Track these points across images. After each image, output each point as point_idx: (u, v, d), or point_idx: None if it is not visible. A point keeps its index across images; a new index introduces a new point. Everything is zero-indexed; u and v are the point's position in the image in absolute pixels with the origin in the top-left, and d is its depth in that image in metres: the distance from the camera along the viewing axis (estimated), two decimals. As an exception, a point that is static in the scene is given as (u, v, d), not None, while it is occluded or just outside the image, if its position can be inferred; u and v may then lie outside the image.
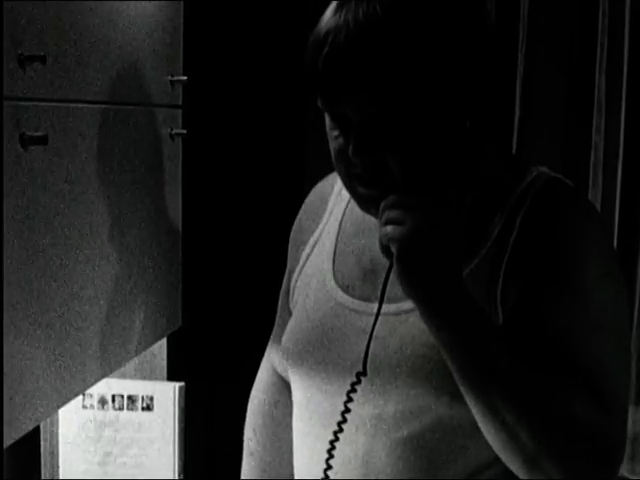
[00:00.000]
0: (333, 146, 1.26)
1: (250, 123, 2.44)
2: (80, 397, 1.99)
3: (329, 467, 1.31)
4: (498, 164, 1.34)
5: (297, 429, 1.41)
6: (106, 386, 1.98)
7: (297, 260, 1.48)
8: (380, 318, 1.27)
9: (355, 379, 1.28)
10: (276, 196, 2.42)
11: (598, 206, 2.37)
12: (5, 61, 1.18)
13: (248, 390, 1.62)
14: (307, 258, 1.45)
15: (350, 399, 1.28)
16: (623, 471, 2.43)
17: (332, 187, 1.48)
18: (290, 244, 1.54)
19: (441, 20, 1.18)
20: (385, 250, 1.19)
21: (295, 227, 1.54)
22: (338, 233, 1.42)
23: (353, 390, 1.28)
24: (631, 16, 2.34)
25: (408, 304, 1.27)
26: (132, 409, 2.00)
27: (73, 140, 1.39)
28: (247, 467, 1.59)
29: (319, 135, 1.31)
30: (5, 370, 1.21)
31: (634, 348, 2.39)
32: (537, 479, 1.18)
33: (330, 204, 1.47)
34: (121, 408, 2.01)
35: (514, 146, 2.41)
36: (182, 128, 1.89)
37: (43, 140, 1.26)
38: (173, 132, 1.83)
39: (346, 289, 1.37)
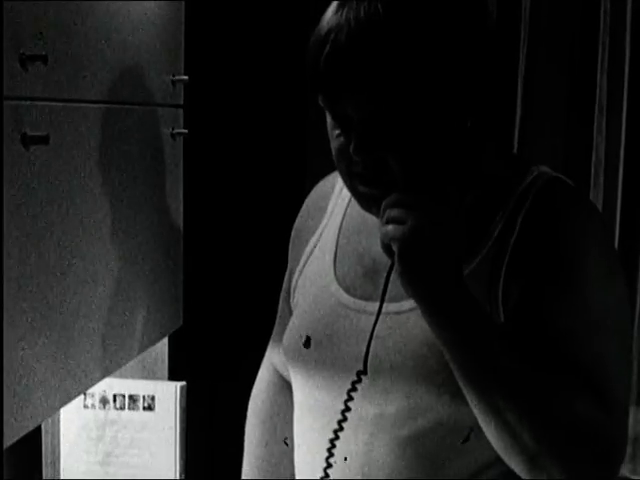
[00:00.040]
0: (334, 145, 1.26)
1: (251, 122, 2.44)
2: (81, 397, 1.99)
3: (329, 466, 1.31)
4: (499, 163, 1.34)
5: (298, 428, 1.41)
6: (107, 386, 1.98)
7: (298, 259, 1.48)
8: (381, 317, 1.27)
9: (356, 378, 1.28)
10: (277, 195, 2.42)
11: (599, 206, 2.37)
12: (7, 61, 1.18)
13: (249, 390, 1.62)
14: (308, 257, 1.45)
15: (351, 398, 1.28)
16: (624, 471, 2.43)
17: (333, 186, 1.48)
18: (291, 243, 1.54)
19: (442, 19, 1.18)
20: (386, 249, 1.20)
21: (296, 226, 1.54)
22: (339, 232, 1.42)
23: (354, 389, 1.28)
24: (632, 15, 2.34)
25: (409, 303, 1.27)
26: (133, 409, 2.00)
27: (74, 140, 1.39)
28: (248, 467, 1.59)
29: (320, 134, 1.31)
30: (6, 369, 1.21)
31: (635, 348, 2.39)
32: (538, 479, 1.18)
33: (331, 203, 1.47)
34: (122, 408, 2.01)
35: (515, 145, 2.41)
36: (183, 128, 1.89)
37: (44, 140, 1.26)
38: (174, 131, 1.83)
39: (347, 288, 1.37)
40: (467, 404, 1.19)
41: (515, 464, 1.19)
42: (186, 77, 1.87)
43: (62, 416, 2.01)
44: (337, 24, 1.18)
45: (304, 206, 1.54)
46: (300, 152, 2.41)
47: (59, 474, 2.03)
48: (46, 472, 2.06)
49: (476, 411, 1.18)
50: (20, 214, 1.24)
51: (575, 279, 1.23)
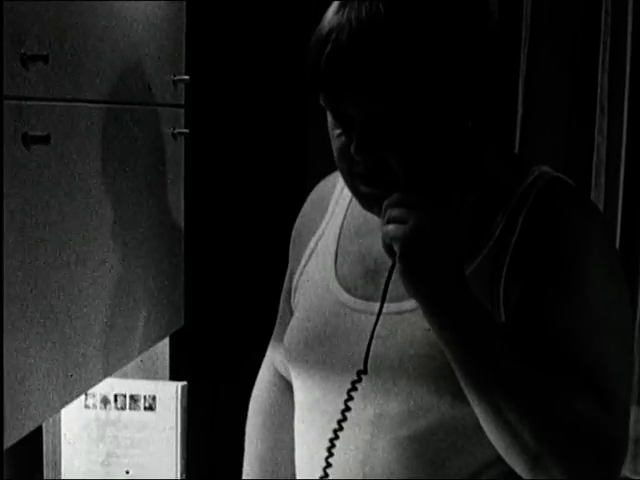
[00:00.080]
0: (335, 145, 1.26)
1: (252, 122, 2.44)
2: (82, 397, 1.99)
3: (329, 465, 1.31)
4: (500, 163, 1.34)
5: (299, 428, 1.41)
6: (108, 386, 1.98)
7: (299, 259, 1.48)
8: (382, 317, 1.27)
9: (356, 377, 1.28)
10: (278, 195, 2.42)
11: (600, 206, 2.37)
12: (8, 60, 1.18)
13: (250, 390, 1.62)
14: (309, 257, 1.45)
15: (351, 397, 1.28)
16: (625, 471, 2.43)
17: (334, 186, 1.48)
18: (291, 243, 1.54)
19: (444, 19, 1.18)
20: (388, 249, 1.20)
21: (297, 226, 1.54)
22: (340, 232, 1.42)
23: (354, 388, 1.28)
24: (634, 15, 2.34)
25: (410, 303, 1.27)
26: (134, 409, 2.00)
27: (75, 139, 1.39)
28: (248, 467, 1.59)
29: (321, 134, 1.31)
30: (7, 370, 1.21)
31: (636, 348, 2.39)
32: (539, 479, 1.18)
33: (332, 203, 1.46)
34: (123, 408, 2.01)
35: (517, 145, 2.41)
36: (185, 127, 1.88)
37: (45, 139, 1.26)
38: (176, 131, 1.83)
39: (348, 288, 1.37)
40: (468, 404, 1.19)
41: (516, 464, 1.18)
42: (187, 77, 1.87)
43: (63, 416, 2.01)
44: (338, 24, 1.18)
45: (305, 206, 1.54)
46: (301, 152, 2.41)
47: (60, 474, 2.03)
48: (47, 472, 2.06)
49: (477, 411, 1.18)
50: (21, 214, 1.24)
51: (576, 279, 1.23)
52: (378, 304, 1.28)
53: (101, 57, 1.48)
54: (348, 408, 1.29)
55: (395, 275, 1.21)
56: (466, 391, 1.18)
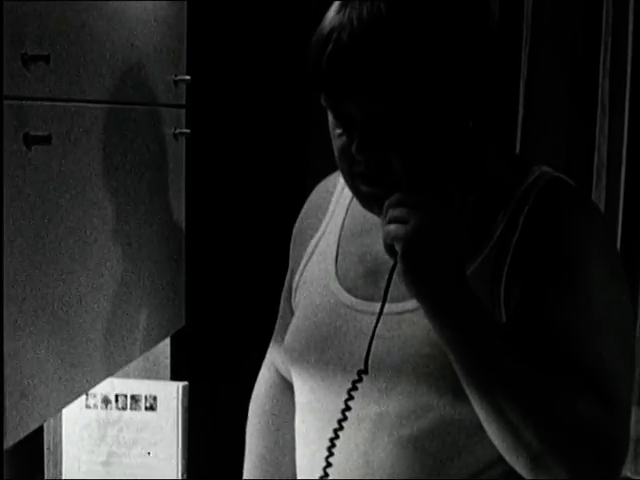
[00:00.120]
0: (336, 144, 1.26)
1: (254, 122, 2.44)
2: (83, 397, 1.99)
3: (329, 465, 1.31)
4: (501, 163, 1.34)
5: (299, 428, 1.41)
6: (109, 386, 1.98)
7: (299, 259, 1.48)
8: (383, 317, 1.27)
9: (357, 377, 1.28)
10: (279, 195, 2.42)
11: (601, 206, 2.37)
12: (9, 60, 1.18)
13: (251, 390, 1.62)
14: (309, 257, 1.45)
15: (351, 397, 1.28)
16: (626, 471, 2.43)
17: (334, 186, 1.48)
18: (292, 243, 1.54)
19: (445, 19, 1.18)
20: (389, 249, 1.20)
21: (297, 226, 1.54)
22: (340, 232, 1.42)
23: (354, 388, 1.28)
24: (635, 16, 2.34)
25: (411, 303, 1.27)
26: (135, 409, 2.00)
27: (77, 140, 1.39)
28: (249, 466, 1.59)
29: (322, 134, 1.31)
30: (8, 370, 1.21)
31: (638, 348, 2.38)
32: (541, 479, 1.18)
33: (332, 203, 1.46)
34: (124, 408, 2.01)
35: (517, 145, 2.41)
36: (186, 128, 1.89)
37: (47, 140, 1.26)
38: (177, 132, 1.83)
39: (348, 289, 1.37)
40: (469, 404, 1.19)
41: (517, 464, 1.18)
42: (188, 77, 1.87)
43: (64, 416, 2.01)
44: (340, 23, 1.18)
45: (305, 206, 1.54)
46: (302, 152, 2.41)
47: (61, 474, 2.04)
48: (48, 472, 2.06)
49: (478, 411, 1.18)
50: (22, 214, 1.24)
51: (577, 279, 1.23)
52: (378, 304, 1.28)
53: (102, 57, 1.48)
54: (349, 408, 1.29)
55: (396, 275, 1.21)
56: (467, 391, 1.18)
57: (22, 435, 1.27)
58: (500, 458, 1.21)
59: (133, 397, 2.01)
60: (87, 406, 2.01)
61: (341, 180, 1.38)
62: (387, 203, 1.20)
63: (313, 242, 1.46)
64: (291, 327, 1.44)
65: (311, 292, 1.42)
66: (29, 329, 1.27)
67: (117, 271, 1.58)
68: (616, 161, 2.39)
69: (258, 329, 1.72)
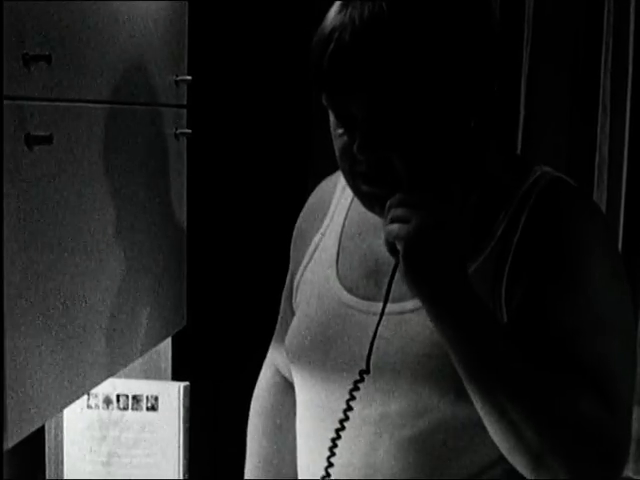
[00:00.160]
0: (337, 144, 1.26)
1: (255, 122, 2.44)
2: (85, 397, 1.99)
3: (331, 465, 1.30)
4: (502, 163, 1.34)
5: (300, 428, 1.41)
6: (111, 386, 1.98)
7: (300, 259, 1.47)
8: (384, 317, 1.27)
9: (358, 377, 1.28)
10: (280, 195, 2.42)
11: (603, 206, 2.37)
12: (10, 61, 1.18)
13: (252, 389, 1.62)
14: (310, 257, 1.45)
15: (353, 397, 1.28)
16: (627, 471, 2.43)
17: (335, 186, 1.48)
18: (293, 243, 1.54)
19: (446, 19, 1.18)
20: (391, 248, 1.19)
21: (298, 226, 1.54)
22: (341, 232, 1.42)
23: (356, 388, 1.28)
24: (636, 15, 2.34)
25: (411, 303, 1.27)
26: (137, 409, 2.00)
27: (78, 140, 1.39)
28: (250, 467, 1.59)
29: (324, 134, 1.31)
30: (9, 370, 1.21)
31: (639, 348, 2.38)
32: (542, 478, 1.18)
33: (333, 203, 1.46)
34: (126, 408, 2.01)
35: (519, 145, 2.41)
36: (187, 128, 1.89)
37: (48, 140, 1.26)
38: (178, 132, 1.83)
39: (349, 288, 1.37)
40: (471, 404, 1.19)
41: (519, 463, 1.18)
42: (189, 77, 1.87)
43: (65, 416, 2.01)
44: (341, 23, 1.18)
45: (306, 206, 1.54)
46: (303, 152, 2.41)
47: (62, 474, 2.03)
48: (49, 472, 2.06)
49: (480, 411, 1.18)
50: (23, 214, 1.24)
51: (578, 279, 1.23)
52: (380, 304, 1.28)
53: (103, 57, 1.48)
54: (350, 408, 1.29)
55: (397, 275, 1.21)
56: (469, 390, 1.18)
57: (23, 435, 1.27)
58: (501, 458, 1.21)
59: (134, 397, 2.01)
60: (88, 406, 2.01)
61: (342, 180, 1.38)
62: (389, 203, 1.20)
63: (314, 242, 1.46)
64: (292, 327, 1.44)
65: (312, 292, 1.42)
66: (30, 329, 1.27)
67: (118, 271, 1.58)
68: (617, 161, 2.39)
69: (259, 329, 1.72)
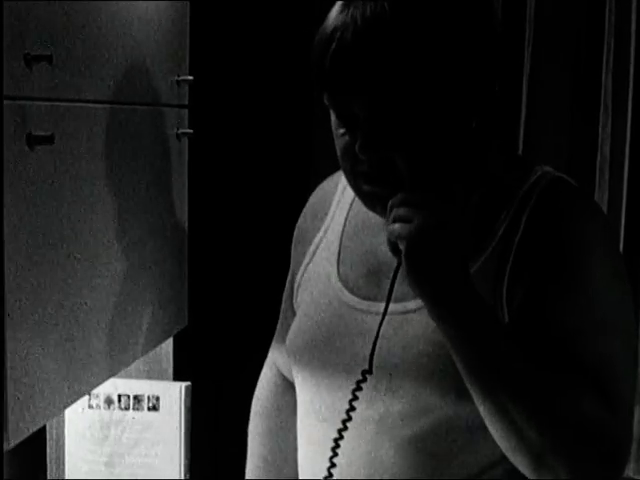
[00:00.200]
0: (339, 144, 1.26)
1: (256, 122, 2.44)
2: (86, 397, 1.99)
3: (333, 465, 1.30)
4: (503, 163, 1.34)
5: (302, 428, 1.41)
6: (112, 386, 1.98)
7: (301, 259, 1.47)
8: (386, 317, 1.27)
9: (361, 377, 1.28)
10: (282, 195, 2.42)
11: (604, 206, 2.36)
12: (12, 60, 1.18)
13: (254, 389, 1.62)
14: (311, 257, 1.45)
15: (356, 397, 1.28)
16: (629, 471, 2.42)
17: (336, 186, 1.48)
18: (294, 243, 1.54)
19: (448, 18, 1.18)
20: (393, 248, 1.19)
21: (299, 226, 1.54)
22: (342, 232, 1.42)
23: (359, 388, 1.28)
24: (637, 15, 2.34)
25: (413, 303, 1.27)
26: (138, 409, 2.00)
27: (79, 140, 1.40)
28: (251, 467, 1.59)
29: (325, 134, 1.31)
30: (11, 370, 1.21)
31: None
32: (544, 478, 1.18)
33: (334, 203, 1.46)
34: (127, 408, 2.01)
35: (520, 145, 2.41)
36: (188, 128, 1.89)
37: (49, 140, 1.26)
38: (179, 132, 1.83)
39: (351, 288, 1.37)
40: (472, 403, 1.19)
41: (521, 463, 1.18)
42: (191, 77, 1.87)
43: (67, 416, 2.01)
44: (343, 22, 1.18)
45: (307, 206, 1.54)
46: (305, 152, 2.41)
47: (64, 474, 2.03)
48: (50, 472, 2.06)
49: (482, 410, 1.18)
50: (24, 214, 1.24)
51: (580, 279, 1.23)
52: (381, 304, 1.28)
53: (105, 57, 1.48)
54: (353, 408, 1.29)
55: (399, 275, 1.21)
56: (471, 390, 1.18)
57: (25, 435, 1.27)
58: (502, 457, 1.21)
59: (136, 397, 2.01)
60: (90, 406, 2.01)
61: (343, 180, 1.38)
62: (391, 202, 1.20)
63: (315, 242, 1.46)
64: (293, 327, 1.44)
65: (313, 292, 1.42)
66: (31, 329, 1.27)
67: (119, 271, 1.58)
68: (619, 160, 2.39)
69: (260, 329, 1.72)
